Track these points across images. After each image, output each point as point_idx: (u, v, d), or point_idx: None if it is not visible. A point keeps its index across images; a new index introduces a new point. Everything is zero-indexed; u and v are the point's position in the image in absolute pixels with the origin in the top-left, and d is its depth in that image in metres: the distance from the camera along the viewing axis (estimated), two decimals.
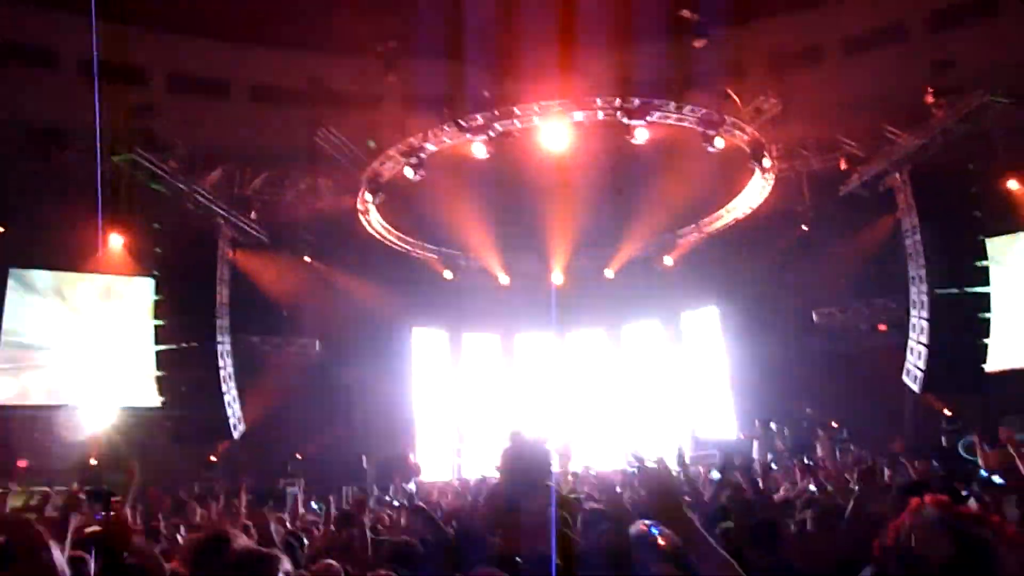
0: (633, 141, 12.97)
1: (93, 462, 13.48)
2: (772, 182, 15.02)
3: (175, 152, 14.00)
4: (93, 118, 13.26)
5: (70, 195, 14.05)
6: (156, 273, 13.92)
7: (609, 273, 18.54)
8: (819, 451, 13.63)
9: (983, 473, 7.67)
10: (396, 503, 10.02)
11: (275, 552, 2.98)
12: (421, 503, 5.94)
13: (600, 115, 13.05)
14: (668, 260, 18.06)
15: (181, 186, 14.04)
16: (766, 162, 14.17)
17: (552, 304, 17.95)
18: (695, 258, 17.64)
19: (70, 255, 15.01)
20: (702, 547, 2.08)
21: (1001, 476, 5.04)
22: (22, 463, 13.08)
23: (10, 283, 14.85)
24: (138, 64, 15.34)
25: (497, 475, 4.86)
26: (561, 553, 3.20)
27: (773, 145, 14.45)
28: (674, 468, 7.85)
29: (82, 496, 3.18)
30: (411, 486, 13.35)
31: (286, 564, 2.89)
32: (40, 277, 15.38)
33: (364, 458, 15.27)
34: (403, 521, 7.06)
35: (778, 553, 4.20)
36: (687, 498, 5.46)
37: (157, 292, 13.68)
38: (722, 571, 2.05)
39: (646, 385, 19.24)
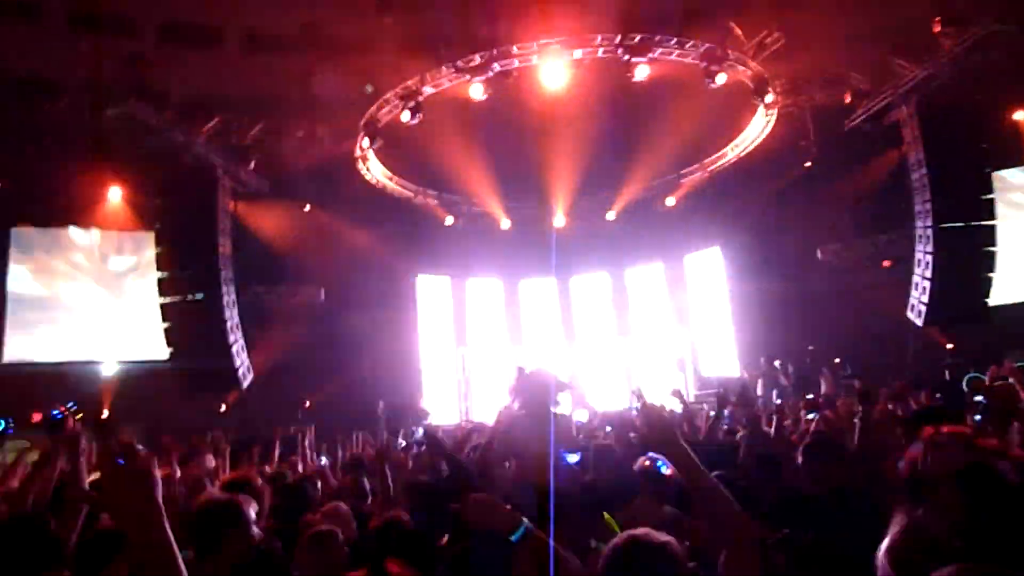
0: (634, 79, 12.74)
1: (104, 415, 13.68)
2: (775, 118, 14.79)
3: (169, 103, 13.82)
4: (83, 70, 13.12)
5: (66, 150, 13.96)
6: (157, 226, 13.88)
7: (611, 216, 18.44)
8: (823, 387, 13.75)
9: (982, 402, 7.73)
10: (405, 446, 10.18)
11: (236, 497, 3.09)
12: (437, 436, 5.99)
13: (600, 52, 12.79)
14: (671, 201, 17.93)
15: (178, 137, 13.91)
16: (769, 98, 13.92)
17: (553, 248, 17.91)
18: (698, 198, 17.51)
19: (69, 210, 14.97)
20: (699, 479, 2.11)
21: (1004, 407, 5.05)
22: (36, 416, 13.26)
23: (12, 242, 14.85)
24: (128, 13, 15.00)
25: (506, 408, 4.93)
26: (563, 486, 3.23)
27: (776, 80, 14.18)
28: (677, 406, 7.96)
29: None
30: (419, 431, 13.53)
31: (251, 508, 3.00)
32: (41, 234, 15.36)
33: (381, 404, 15.52)
34: (411, 464, 7.18)
35: (783, 482, 4.25)
36: (684, 434, 5.53)
37: (158, 245, 13.67)
38: (717, 502, 2.07)
39: (650, 326, 19.31)
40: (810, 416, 8.17)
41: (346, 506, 4.54)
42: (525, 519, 2.24)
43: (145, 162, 14.09)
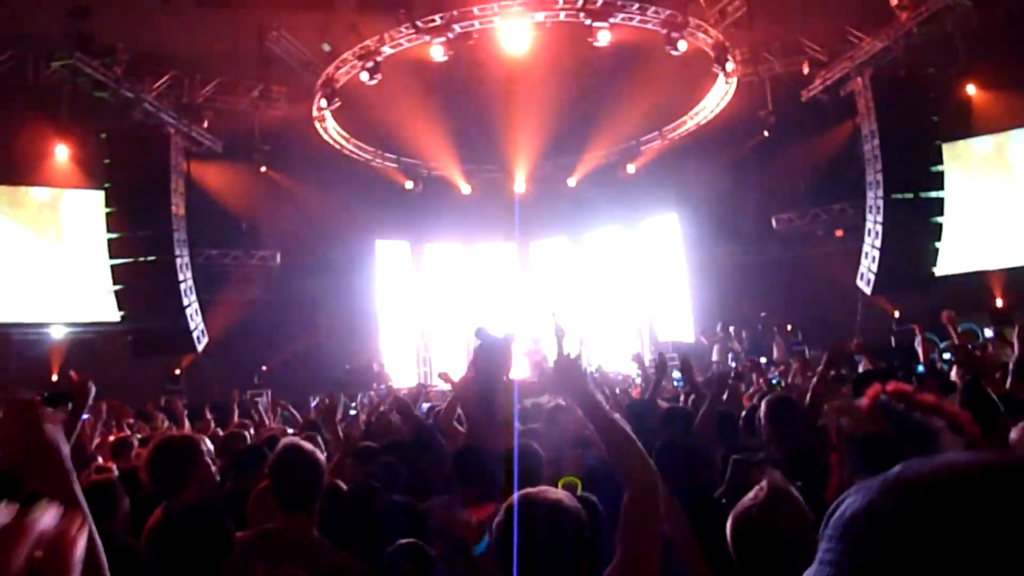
0: (595, 43, 12.69)
1: (55, 378, 13.40)
2: (735, 87, 14.89)
3: (118, 57, 13.36)
4: (26, 22, 12.58)
5: (10, 106, 13.42)
6: (107, 185, 13.48)
7: (571, 182, 18.46)
8: (775, 353, 14.11)
9: (920, 368, 8.08)
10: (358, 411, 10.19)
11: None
12: (401, 398, 6.03)
13: (562, 16, 12.69)
14: (631, 168, 18.01)
15: (127, 93, 13.48)
16: (729, 66, 14.00)
17: (515, 213, 17.88)
18: (657, 165, 17.61)
19: (15, 168, 14.44)
20: (606, 425, 2.15)
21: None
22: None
23: None
24: None
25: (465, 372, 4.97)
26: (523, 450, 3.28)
27: (737, 49, 14.26)
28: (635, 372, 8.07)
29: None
30: (373, 395, 13.56)
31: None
32: None
33: (347, 367, 15.50)
34: (374, 421, 7.21)
35: (735, 444, 4.37)
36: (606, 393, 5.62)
37: (108, 205, 13.30)
38: (624, 448, 2.11)
39: (608, 291, 19.49)
40: (773, 381, 8.43)
41: None
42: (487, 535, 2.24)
43: (93, 119, 13.63)
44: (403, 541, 2.52)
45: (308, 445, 2.88)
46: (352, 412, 10.50)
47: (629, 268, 19.13)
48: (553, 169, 18.24)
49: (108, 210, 13.26)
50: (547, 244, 20.29)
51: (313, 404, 11.43)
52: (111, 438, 6.04)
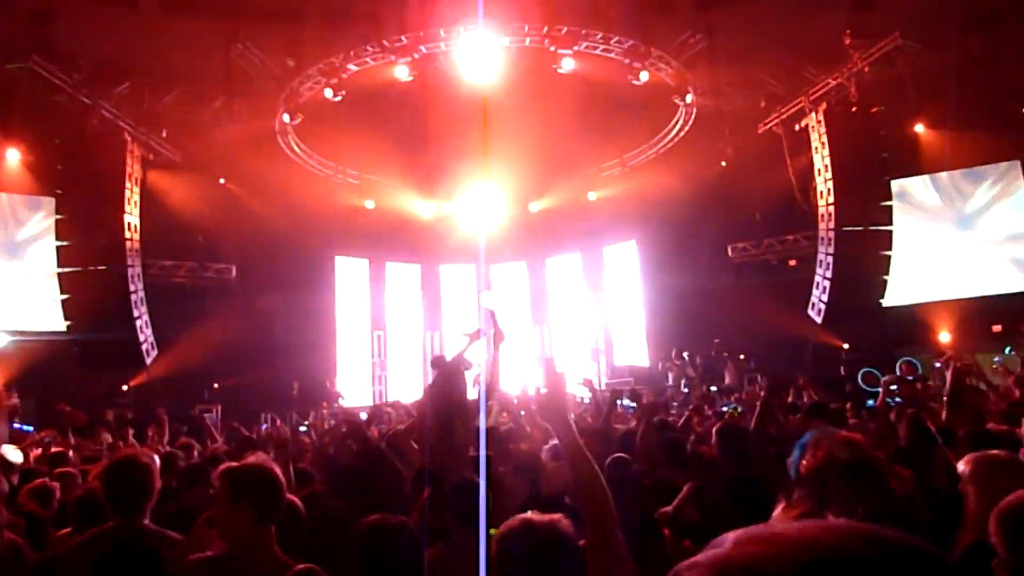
0: (560, 70, 12.90)
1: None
2: (693, 118, 15.22)
3: (77, 63, 13.15)
4: None
5: None
6: (58, 191, 13.20)
7: (534, 207, 18.61)
8: (727, 378, 14.32)
9: (869, 403, 8.37)
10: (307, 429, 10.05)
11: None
12: (354, 421, 5.99)
13: (527, 42, 12.88)
14: (592, 195, 18.24)
15: (84, 99, 13.26)
16: (689, 98, 14.33)
17: (478, 237, 17.93)
18: (617, 193, 17.85)
19: None
20: (575, 454, 2.23)
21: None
22: None
23: None
24: None
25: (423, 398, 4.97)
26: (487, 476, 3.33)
27: (697, 81, 14.59)
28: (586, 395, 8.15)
29: None
30: (325, 413, 13.41)
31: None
32: None
33: (296, 385, 15.24)
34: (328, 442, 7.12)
35: (686, 472, 4.44)
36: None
37: (59, 211, 13.02)
38: (589, 484, 2.20)
39: (566, 316, 19.59)
40: (724, 409, 8.61)
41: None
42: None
43: (47, 123, 13.36)
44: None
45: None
46: (301, 429, 10.38)
47: (587, 293, 19.26)
48: (516, 193, 18.36)
49: (59, 216, 12.98)
50: (508, 268, 20.34)
51: (264, 427, 11.21)
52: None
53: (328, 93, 13.33)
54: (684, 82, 13.99)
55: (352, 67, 13.31)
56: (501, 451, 5.07)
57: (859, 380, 12.30)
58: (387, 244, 18.77)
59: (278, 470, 2.77)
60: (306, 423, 12.05)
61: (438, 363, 4.88)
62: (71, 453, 6.16)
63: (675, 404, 11.60)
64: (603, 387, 14.73)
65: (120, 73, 14.08)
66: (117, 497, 2.97)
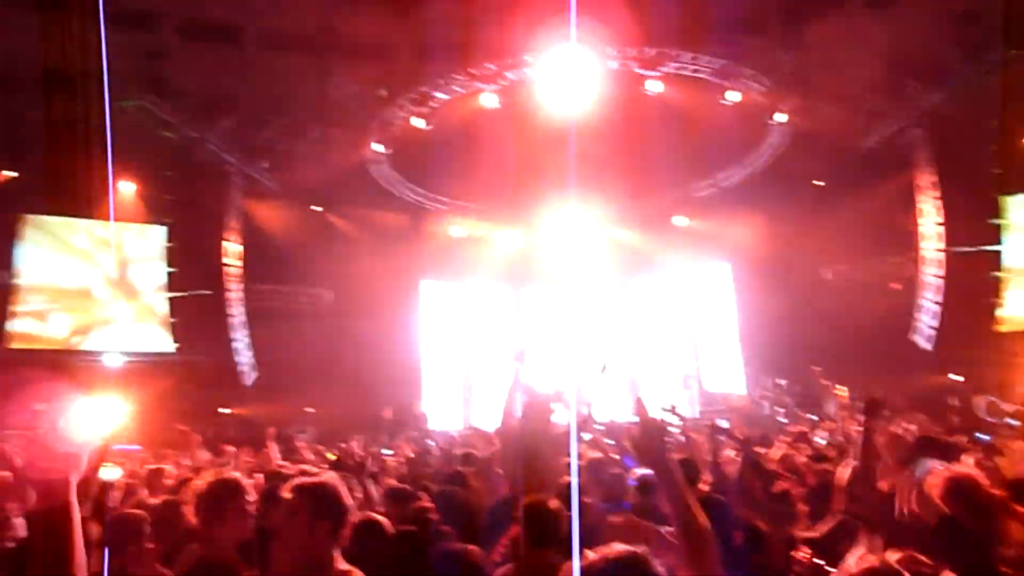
0: (647, 92, 12.80)
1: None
2: (788, 137, 14.80)
3: (186, 100, 13.93)
4: (101, 64, 13.19)
5: (80, 142, 14.03)
6: (168, 221, 13.96)
7: (623, 228, 18.44)
8: (828, 408, 13.67)
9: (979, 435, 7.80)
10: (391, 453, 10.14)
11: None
12: (432, 444, 6.03)
13: (616, 65, 12.85)
14: (682, 220, 17.95)
15: (192, 134, 14.01)
16: (781, 117, 13.94)
17: (567, 258, 17.87)
18: (709, 213, 17.50)
19: (81, 202, 15.01)
20: (682, 505, 2.08)
21: None
22: (40, 407, 13.28)
23: (25, 230, 14.92)
24: (148, 8, 15.14)
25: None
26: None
27: (789, 99, 14.20)
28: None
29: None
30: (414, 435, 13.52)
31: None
32: (53, 224, 15.42)
33: (389, 410, 15.50)
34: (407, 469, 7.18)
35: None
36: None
37: (168, 240, 13.75)
38: (695, 529, 2.05)
39: (658, 339, 19.24)
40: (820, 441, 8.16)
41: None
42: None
43: (158, 157, 14.17)
44: None
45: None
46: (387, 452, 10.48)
47: (678, 316, 18.89)
48: (605, 214, 18.25)
49: (168, 245, 13.71)
50: (596, 288, 20.14)
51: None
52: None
53: (419, 122, 13.63)
54: (775, 101, 13.64)
55: (441, 96, 13.58)
56: (590, 479, 4.96)
57: (982, 409, 11.50)
58: (474, 268, 18.95)
59: (344, 489, 2.79)
60: (389, 448, 12.18)
61: (527, 390, 4.83)
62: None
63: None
64: (697, 414, 14.38)
65: (224, 107, 14.83)
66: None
